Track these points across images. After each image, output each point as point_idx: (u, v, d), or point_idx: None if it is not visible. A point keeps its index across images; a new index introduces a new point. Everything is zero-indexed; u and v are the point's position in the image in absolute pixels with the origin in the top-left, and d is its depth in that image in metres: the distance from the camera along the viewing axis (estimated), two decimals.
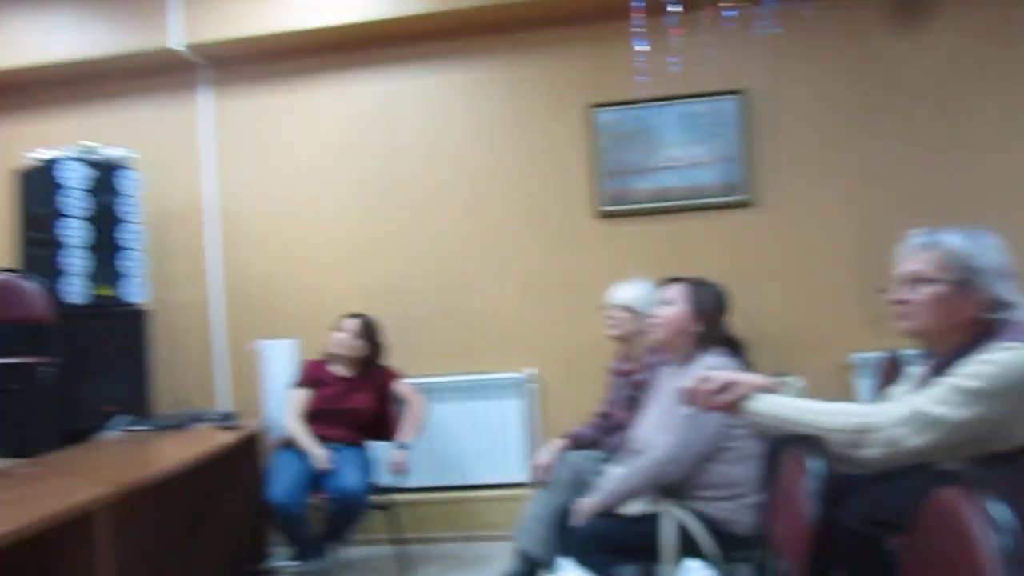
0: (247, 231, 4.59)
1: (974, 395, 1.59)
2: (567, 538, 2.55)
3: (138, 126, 4.62)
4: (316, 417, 3.79)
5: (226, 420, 3.74)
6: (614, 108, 4.31)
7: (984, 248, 1.77)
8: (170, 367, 4.45)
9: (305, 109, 4.59)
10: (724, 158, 4.24)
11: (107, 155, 4.10)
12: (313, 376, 3.88)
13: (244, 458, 3.89)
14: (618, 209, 4.33)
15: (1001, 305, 1.74)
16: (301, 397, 3.83)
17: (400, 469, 3.74)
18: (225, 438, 3.47)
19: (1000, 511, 1.22)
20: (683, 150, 4.26)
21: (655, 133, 4.29)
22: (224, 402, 4.48)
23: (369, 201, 4.53)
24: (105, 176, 4.07)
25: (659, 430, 2.59)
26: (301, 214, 4.56)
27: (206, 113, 4.62)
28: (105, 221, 4.04)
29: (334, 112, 4.57)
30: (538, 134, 4.43)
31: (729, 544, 2.52)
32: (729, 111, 4.24)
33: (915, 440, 1.63)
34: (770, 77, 4.26)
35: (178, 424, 3.74)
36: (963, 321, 1.76)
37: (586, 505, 2.59)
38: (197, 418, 3.83)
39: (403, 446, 3.76)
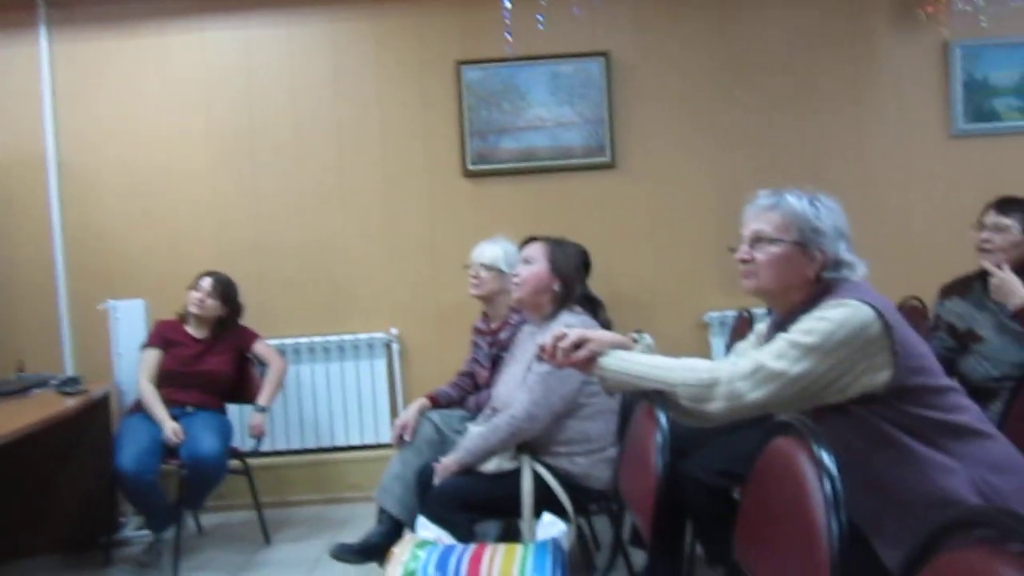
0: (93, 184, 4.28)
1: (809, 350, 1.66)
2: (428, 497, 2.55)
3: None
4: (170, 379, 3.63)
5: (70, 385, 3.52)
6: (481, 65, 4.27)
7: (823, 210, 1.83)
8: (8, 329, 4.15)
9: (156, 54, 4.29)
10: (589, 120, 4.28)
11: None
12: (165, 336, 3.70)
13: (91, 424, 3.71)
14: (484, 168, 4.31)
15: (839, 265, 1.82)
16: (152, 358, 3.65)
17: (258, 433, 3.65)
18: (69, 404, 3.28)
19: (829, 459, 1.29)
20: (549, 110, 4.28)
21: (522, 92, 4.28)
22: (69, 366, 4.23)
23: (226, 155, 4.32)
24: None
25: (518, 388, 2.61)
26: (152, 167, 4.30)
27: (46, 55, 4.26)
28: None
29: (188, 58, 4.30)
30: (405, 90, 4.33)
31: (586, 498, 2.59)
32: (595, 73, 4.27)
33: (756, 394, 1.69)
34: (634, 40, 4.32)
35: (17, 390, 3.51)
36: (803, 280, 1.83)
37: (446, 464, 2.59)
38: (38, 383, 3.61)
39: (261, 409, 3.67)
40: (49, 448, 3.64)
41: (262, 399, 3.69)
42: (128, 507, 3.76)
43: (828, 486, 1.25)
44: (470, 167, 4.30)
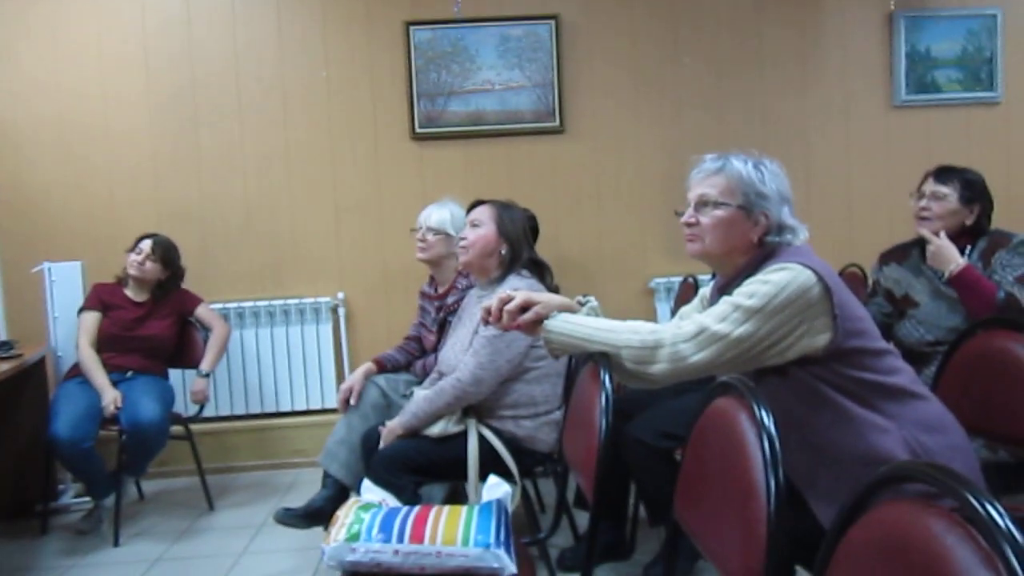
0: (23, 142, 4.12)
1: (751, 312, 1.68)
2: (372, 461, 2.54)
3: None
4: (110, 344, 3.55)
5: (3, 349, 3.43)
6: (430, 26, 4.20)
7: (768, 174, 1.85)
8: None
9: (89, 7, 4.11)
10: (538, 84, 4.25)
11: None
12: (103, 300, 3.61)
13: (25, 389, 3.63)
14: (432, 131, 4.26)
15: (782, 229, 1.84)
16: (90, 321, 3.56)
17: (200, 398, 3.60)
18: (2, 368, 3.20)
19: (767, 417, 1.31)
20: (498, 74, 4.23)
21: (470, 55, 4.22)
22: (1, 330, 4.09)
23: (166, 112, 4.19)
24: None
25: (465, 352, 2.60)
26: (88, 125, 4.14)
27: None
28: None
29: (122, 13, 4.14)
30: (352, 49, 4.24)
31: (531, 460, 2.61)
32: (544, 36, 4.24)
33: (698, 356, 1.71)
34: (583, 3, 4.29)
35: None
36: (746, 244, 1.84)
37: (391, 427, 2.58)
38: None
39: (204, 375, 3.62)
40: None
41: (205, 364, 3.63)
42: (66, 474, 3.68)
43: (767, 444, 1.26)
44: (418, 130, 4.24)
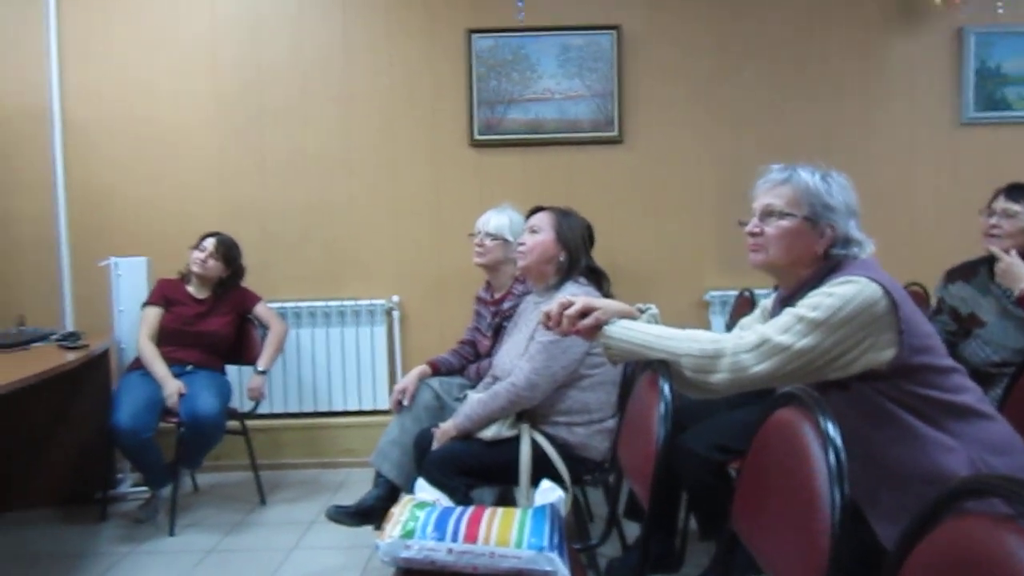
0: (97, 140, 4.26)
1: (815, 325, 1.66)
2: (425, 461, 2.56)
3: None
4: (170, 338, 3.64)
5: (71, 340, 3.53)
6: (492, 34, 4.24)
7: (835, 186, 1.83)
8: (9, 282, 4.15)
9: (163, 9, 4.25)
10: (598, 93, 4.26)
11: None
12: (166, 295, 3.70)
13: (90, 380, 3.73)
14: (491, 139, 4.29)
15: (848, 242, 1.82)
16: (152, 316, 3.66)
17: (256, 395, 3.66)
18: (67, 359, 3.28)
19: (833, 430, 1.29)
20: (558, 82, 4.25)
21: (531, 63, 4.25)
22: (69, 321, 4.22)
23: (232, 113, 4.29)
24: None
25: (520, 357, 2.61)
26: (155, 125, 4.26)
27: (53, 8, 4.20)
28: None
29: (193, 19, 4.26)
30: (414, 56, 4.30)
31: (582, 468, 2.61)
32: (605, 46, 4.24)
33: (759, 367, 1.69)
34: (646, 15, 4.29)
35: (16, 343, 3.50)
36: (811, 256, 1.82)
37: (445, 428, 2.60)
38: (37, 337, 3.61)
39: (261, 372, 3.68)
40: (48, 402, 3.66)
41: (262, 362, 3.69)
42: (125, 463, 3.78)
43: (832, 457, 1.25)
44: (476, 136, 4.28)
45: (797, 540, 1.30)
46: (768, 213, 1.84)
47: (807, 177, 1.83)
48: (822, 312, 1.66)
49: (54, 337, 3.59)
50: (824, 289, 1.71)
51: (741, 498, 1.57)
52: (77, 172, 4.26)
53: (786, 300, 1.85)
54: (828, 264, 1.81)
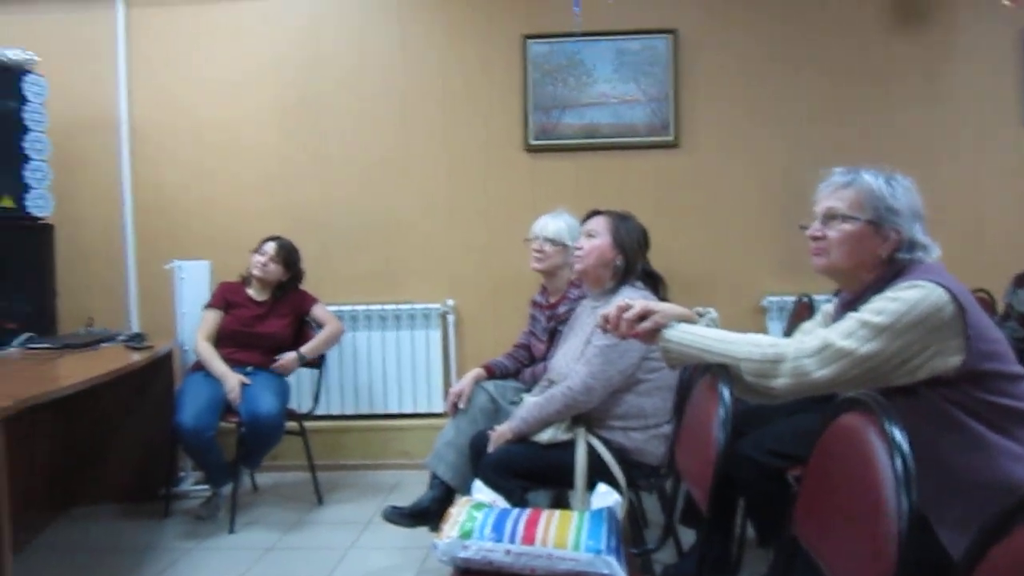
0: (161, 146, 4.39)
1: (879, 330, 1.64)
2: (481, 463, 2.57)
3: (47, 29, 4.32)
4: (231, 340, 3.72)
5: (135, 341, 3.63)
6: (547, 40, 4.25)
7: (899, 189, 1.80)
8: (78, 285, 4.28)
9: (226, 21, 4.37)
10: (653, 98, 4.25)
11: (9, 56, 3.83)
12: (227, 298, 3.79)
13: (154, 380, 3.82)
14: (546, 143, 4.30)
15: (913, 246, 1.78)
16: (212, 318, 3.75)
17: (282, 369, 3.70)
18: (133, 359, 3.37)
19: (899, 435, 1.27)
20: (613, 87, 4.25)
21: (587, 68, 4.25)
22: (134, 323, 4.35)
23: (290, 121, 4.38)
24: (7, 79, 3.79)
25: (576, 361, 2.62)
26: (218, 131, 4.38)
27: (120, 19, 4.35)
28: (6, 127, 3.78)
29: (256, 26, 4.37)
30: (470, 62, 4.34)
31: (638, 473, 2.60)
32: (660, 50, 4.23)
33: (822, 372, 1.67)
34: (702, 18, 4.26)
35: (84, 343, 3.62)
36: (874, 259, 1.80)
37: (501, 431, 2.61)
38: (105, 338, 3.72)
39: (300, 356, 3.73)
40: (114, 401, 3.77)
41: (306, 348, 3.76)
42: (187, 461, 3.87)
43: (899, 463, 1.23)
44: (531, 141, 4.30)
45: (863, 547, 1.29)
46: (831, 216, 1.82)
47: (871, 180, 1.80)
48: (887, 317, 1.64)
49: (120, 338, 3.70)
50: (889, 294, 1.69)
51: (804, 504, 1.55)
52: (143, 178, 4.39)
53: (849, 304, 1.82)
54: (893, 268, 1.78)
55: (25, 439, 3.45)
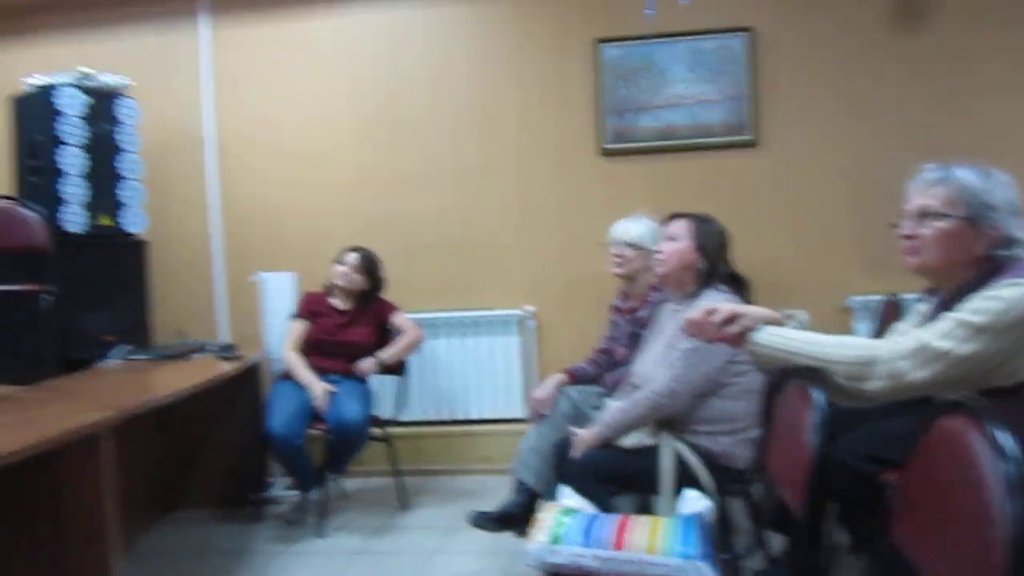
0: (246, 162, 4.54)
1: (979, 330, 1.59)
2: (565, 468, 2.58)
3: (136, 53, 4.52)
4: (316, 349, 3.81)
5: (226, 351, 3.76)
6: (620, 43, 4.24)
7: (995, 184, 1.75)
8: (169, 298, 4.44)
9: (306, 37, 4.50)
10: (730, 97, 4.19)
11: (105, 82, 4.01)
12: (311, 308, 3.89)
13: (244, 389, 3.93)
14: (621, 147, 4.29)
15: (1011, 242, 1.73)
16: (298, 328, 3.85)
17: (362, 373, 3.77)
18: (225, 368, 3.49)
19: (1006, 439, 1.24)
20: (688, 88, 4.21)
21: (661, 70, 4.23)
22: (224, 334, 4.49)
23: (370, 133, 4.47)
24: (102, 103, 3.98)
25: (659, 365, 2.60)
26: (301, 145, 4.51)
27: (205, 40, 4.52)
28: (103, 149, 3.97)
29: (336, 41, 4.49)
30: (543, 68, 4.36)
31: (725, 477, 2.56)
32: (736, 49, 4.18)
33: (918, 373, 1.63)
34: (778, 15, 4.19)
35: (178, 354, 3.76)
36: (971, 257, 1.75)
37: (584, 436, 2.61)
38: (197, 348, 3.85)
39: (379, 360, 3.79)
40: (206, 410, 3.89)
41: (385, 352, 3.82)
42: (277, 467, 3.98)
43: (1007, 467, 1.19)
44: (606, 145, 4.29)
45: (969, 555, 1.25)
46: (924, 214, 1.78)
47: (964, 176, 1.76)
48: (986, 317, 1.59)
49: (211, 349, 3.82)
50: (987, 292, 1.64)
51: (903, 511, 1.52)
52: (229, 193, 4.55)
53: (945, 304, 1.77)
54: (990, 266, 1.73)
55: (124, 447, 3.59)
